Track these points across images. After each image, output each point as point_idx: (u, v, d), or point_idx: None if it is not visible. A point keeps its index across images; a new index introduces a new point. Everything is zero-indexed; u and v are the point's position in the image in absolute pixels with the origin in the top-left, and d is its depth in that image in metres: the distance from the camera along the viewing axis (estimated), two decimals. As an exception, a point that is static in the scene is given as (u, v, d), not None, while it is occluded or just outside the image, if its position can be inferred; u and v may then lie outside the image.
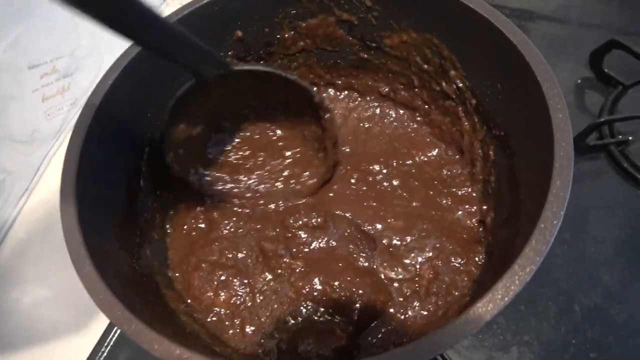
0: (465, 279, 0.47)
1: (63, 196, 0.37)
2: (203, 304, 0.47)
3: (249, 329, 0.46)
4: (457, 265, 0.48)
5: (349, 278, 0.47)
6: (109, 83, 0.42)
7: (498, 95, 0.45)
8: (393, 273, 0.48)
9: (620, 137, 0.62)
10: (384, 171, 0.55)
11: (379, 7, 0.50)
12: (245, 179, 0.54)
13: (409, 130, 0.58)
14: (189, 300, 0.47)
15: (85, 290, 0.33)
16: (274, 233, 0.51)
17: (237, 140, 0.55)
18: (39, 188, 0.69)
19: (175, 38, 0.39)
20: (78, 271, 0.33)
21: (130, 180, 0.46)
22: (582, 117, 0.67)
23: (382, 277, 0.48)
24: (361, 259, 0.49)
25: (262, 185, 0.54)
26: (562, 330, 0.51)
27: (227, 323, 0.46)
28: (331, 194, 0.54)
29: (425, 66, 0.52)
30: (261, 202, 0.53)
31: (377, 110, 0.60)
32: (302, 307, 0.46)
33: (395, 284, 0.48)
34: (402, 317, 0.46)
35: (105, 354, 0.54)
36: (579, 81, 0.70)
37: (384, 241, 0.50)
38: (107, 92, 0.42)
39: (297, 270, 0.48)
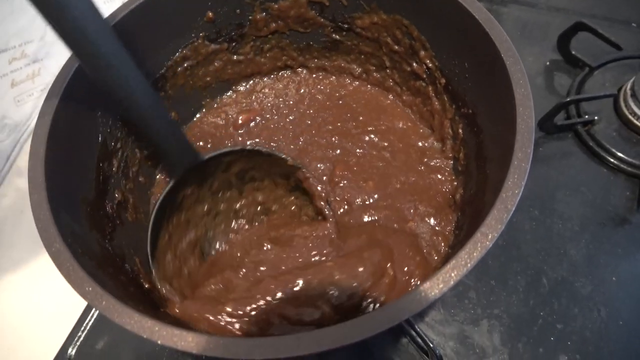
0: (442, 243, 0.48)
1: (32, 173, 0.36)
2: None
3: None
4: (432, 225, 0.49)
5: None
6: (76, 63, 0.42)
7: (466, 73, 0.46)
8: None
9: (586, 116, 0.64)
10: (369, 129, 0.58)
11: (349, -13, 0.51)
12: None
13: (384, 106, 0.60)
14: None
15: (58, 275, 0.32)
16: None
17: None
18: (11, 175, 0.68)
19: (156, 107, 0.41)
20: (48, 248, 0.33)
21: (101, 160, 0.45)
22: (551, 98, 0.68)
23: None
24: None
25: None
26: (531, 303, 0.53)
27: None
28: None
29: (396, 47, 0.53)
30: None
31: (351, 88, 0.62)
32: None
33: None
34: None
35: (82, 338, 0.54)
36: (548, 63, 0.72)
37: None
38: (75, 71, 0.41)
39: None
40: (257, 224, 0.52)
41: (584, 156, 0.63)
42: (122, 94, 0.38)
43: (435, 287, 0.30)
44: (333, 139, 0.57)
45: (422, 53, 0.51)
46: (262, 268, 0.46)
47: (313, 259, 0.47)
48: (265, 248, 0.48)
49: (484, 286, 0.54)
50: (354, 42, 0.57)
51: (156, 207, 0.45)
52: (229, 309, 0.40)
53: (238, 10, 0.54)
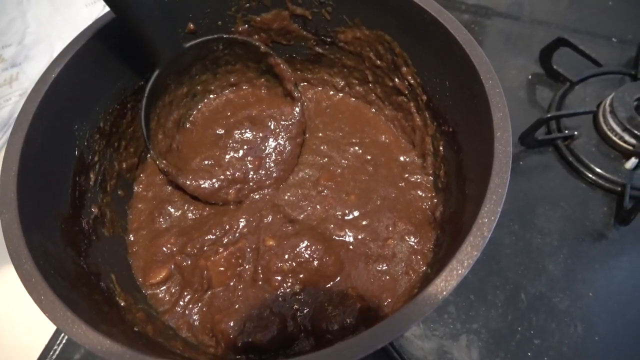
0: (421, 262, 0.48)
1: (3, 191, 0.35)
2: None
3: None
4: (411, 244, 0.49)
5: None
6: (52, 76, 0.41)
7: (447, 92, 0.46)
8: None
9: (566, 132, 0.64)
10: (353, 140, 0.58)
11: (332, 2, 0.51)
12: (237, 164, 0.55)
13: (367, 118, 0.60)
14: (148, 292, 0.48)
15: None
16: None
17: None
18: (-14, 182, 0.67)
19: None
20: (18, 270, 0.32)
21: (77, 175, 0.44)
22: (533, 111, 0.69)
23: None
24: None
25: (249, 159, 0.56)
26: (509, 317, 0.53)
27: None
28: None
29: (379, 62, 0.53)
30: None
31: (335, 99, 0.62)
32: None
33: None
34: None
35: (57, 351, 0.53)
36: (530, 77, 0.73)
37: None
38: (51, 84, 0.41)
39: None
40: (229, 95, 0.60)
41: (563, 171, 0.63)
42: None
43: (413, 314, 0.30)
44: (322, 147, 0.58)
45: (404, 69, 0.51)
46: (245, 147, 0.56)
47: (280, 140, 0.57)
48: (245, 129, 0.57)
49: (463, 301, 0.54)
50: (336, 56, 0.57)
51: (146, 93, 0.49)
52: (227, 173, 0.54)
53: (219, 22, 0.53)
